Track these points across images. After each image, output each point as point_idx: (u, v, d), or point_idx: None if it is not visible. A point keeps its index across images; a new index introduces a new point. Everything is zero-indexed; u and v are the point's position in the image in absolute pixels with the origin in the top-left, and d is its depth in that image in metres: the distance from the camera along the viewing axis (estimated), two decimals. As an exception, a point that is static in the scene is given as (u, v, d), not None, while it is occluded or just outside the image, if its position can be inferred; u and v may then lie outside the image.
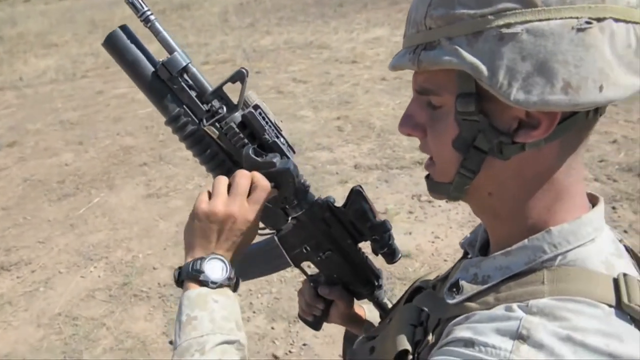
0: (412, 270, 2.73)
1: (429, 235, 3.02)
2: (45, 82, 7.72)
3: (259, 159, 0.71)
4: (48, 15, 15.45)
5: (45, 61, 9.12)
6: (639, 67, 0.44)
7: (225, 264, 0.65)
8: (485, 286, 0.51)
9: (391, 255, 0.81)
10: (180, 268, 0.67)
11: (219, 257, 0.65)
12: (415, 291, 0.74)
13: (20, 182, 4.32)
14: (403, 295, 0.82)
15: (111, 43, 0.71)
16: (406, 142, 4.29)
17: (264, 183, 0.68)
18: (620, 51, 0.43)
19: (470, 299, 0.52)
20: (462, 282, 0.53)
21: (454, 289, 0.53)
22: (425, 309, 0.60)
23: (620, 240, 0.56)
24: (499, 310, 0.47)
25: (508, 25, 0.43)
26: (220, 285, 0.64)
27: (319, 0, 12.75)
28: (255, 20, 11.02)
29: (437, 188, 0.56)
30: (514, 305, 0.46)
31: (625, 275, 0.47)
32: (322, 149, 4.35)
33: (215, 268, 0.64)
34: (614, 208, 3.14)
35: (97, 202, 3.85)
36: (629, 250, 0.55)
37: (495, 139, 0.48)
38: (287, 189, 0.73)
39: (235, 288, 0.69)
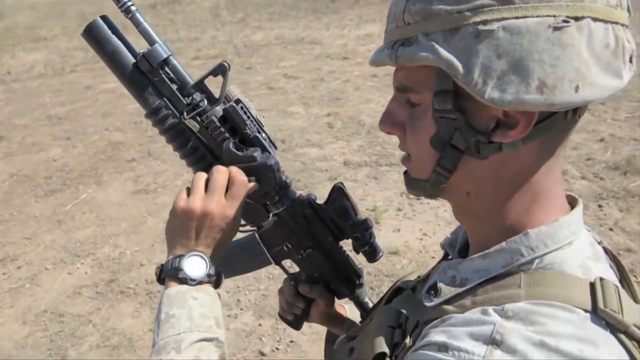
0: (399, 267, 2.74)
1: (417, 232, 3.03)
2: (34, 76, 7.63)
3: (239, 153, 0.71)
4: (37, 8, 15.25)
5: (34, 55, 9.00)
6: (616, 67, 0.44)
7: (205, 261, 0.65)
8: (463, 289, 0.51)
9: (372, 253, 0.81)
10: (161, 266, 0.67)
11: (199, 253, 0.66)
12: (396, 292, 0.75)
13: (6, 178, 4.27)
14: (384, 295, 0.82)
15: (90, 33, 0.70)
16: (395, 139, 4.22)
17: (241, 178, 0.68)
18: (598, 51, 0.43)
19: (447, 301, 0.52)
20: (440, 285, 0.53)
21: (432, 292, 0.53)
22: (404, 312, 0.60)
23: (600, 242, 0.56)
24: (475, 314, 0.47)
25: (485, 22, 0.42)
26: (200, 282, 0.64)
27: (311, -5, 12.70)
28: (246, 15, 10.96)
29: (414, 184, 0.56)
30: (490, 309, 0.46)
31: (601, 279, 0.47)
32: (312, 145, 4.34)
33: (195, 265, 0.64)
34: (600, 206, 3.17)
35: (85, 198, 3.81)
36: (607, 252, 0.55)
37: (472, 137, 0.48)
38: (268, 184, 0.73)
39: (217, 285, 0.68)
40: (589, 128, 4.15)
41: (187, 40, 8.82)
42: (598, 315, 0.45)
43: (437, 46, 0.44)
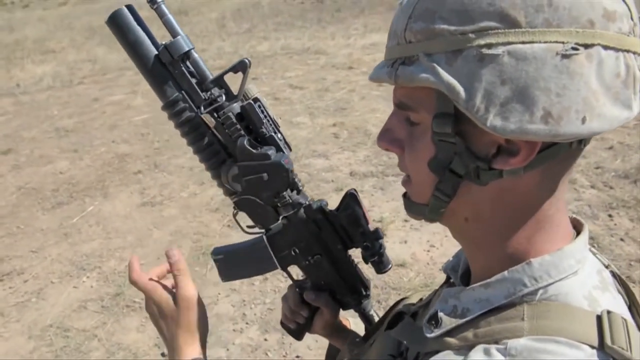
0: (407, 279, 2.71)
1: (424, 244, 3.00)
2: (42, 88, 7.71)
3: (253, 150, 0.70)
4: (46, 21, 15.46)
5: (42, 67, 9.10)
6: (626, 98, 0.42)
7: None
8: (464, 320, 0.49)
9: (381, 264, 0.78)
10: None
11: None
12: (397, 316, 0.73)
13: (14, 191, 4.29)
14: (385, 315, 0.80)
15: (115, 21, 0.70)
16: (402, 149, 4.27)
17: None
18: (607, 81, 0.41)
19: (449, 333, 0.50)
20: (441, 315, 0.51)
21: (433, 322, 0.51)
22: (405, 342, 0.58)
23: (607, 266, 0.54)
24: (478, 353, 0.45)
25: (489, 46, 0.40)
26: None
27: (317, 5, 12.77)
28: (252, 26, 11.03)
29: (414, 208, 0.54)
30: (493, 349, 0.44)
31: (609, 312, 0.45)
32: (317, 156, 4.33)
33: None
34: (610, 216, 3.13)
35: (91, 211, 3.82)
36: (616, 276, 0.53)
37: (471, 163, 0.46)
38: (281, 184, 0.72)
39: None
40: (598, 136, 4.10)
41: (194, 51, 8.88)
42: (605, 352, 0.43)
43: (438, 68, 0.43)
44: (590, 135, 0.42)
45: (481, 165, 0.46)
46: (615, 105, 0.41)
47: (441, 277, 2.73)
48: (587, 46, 0.40)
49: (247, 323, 2.57)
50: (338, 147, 4.47)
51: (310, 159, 4.27)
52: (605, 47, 0.40)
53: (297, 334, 0.92)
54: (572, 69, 0.39)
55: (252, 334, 2.50)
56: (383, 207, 3.41)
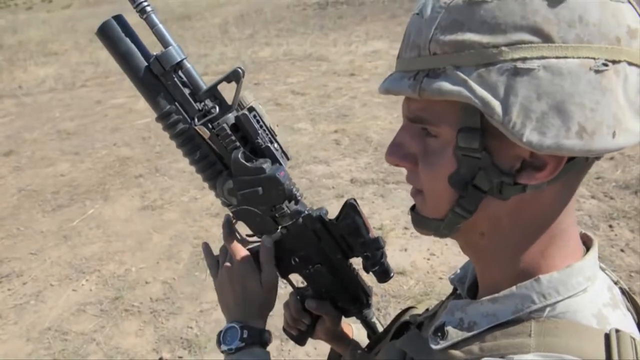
0: (406, 288, 2.71)
1: (424, 252, 2.99)
2: (45, 90, 7.73)
3: (248, 164, 0.70)
4: (50, 23, 15.53)
5: (45, 70, 9.13)
6: None
7: (237, 328, 0.72)
8: (471, 334, 0.49)
9: (382, 274, 0.77)
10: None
11: (233, 324, 0.73)
12: (403, 326, 0.73)
13: (15, 192, 4.30)
14: (390, 325, 0.80)
15: (104, 33, 0.69)
16: (403, 157, 4.27)
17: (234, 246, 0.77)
18: (631, 96, 0.41)
19: (454, 345, 0.50)
20: (448, 328, 0.51)
21: (439, 334, 0.51)
22: (410, 353, 0.58)
23: (617, 283, 0.53)
24: None
25: (524, 60, 0.40)
26: (240, 348, 0.71)
27: (319, 12, 12.83)
28: (255, 32, 11.08)
29: (425, 223, 0.53)
30: None
31: (617, 331, 0.44)
32: (318, 162, 4.33)
33: (232, 336, 0.72)
34: (610, 226, 3.13)
35: (92, 214, 3.82)
36: (625, 293, 0.53)
37: (496, 178, 0.45)
38: (276, 197, 0.71)
39: (262, 342, 0.73)
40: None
41: (196, 56, 8.91)
42: None
43: (470, 82, 0.41)
44: (617, 149, 0.42)
45: (506, 180, 0.45)
46: (637, 119, 0.42)
47: (441, 286, 2.73)
48: (614, 62, 0.40)
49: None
50: (339, 154, 4.47)
51: (311, 165, 4.28)
52: (630, 64, 0.41)
53: (300, 340, 0.92)
54: (603, 85, 0.40)
55: (251, 340, 2.50)
56: (383, 214, 3.41)
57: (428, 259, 2.94)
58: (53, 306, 2.85)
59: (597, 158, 0.46)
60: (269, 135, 0.73)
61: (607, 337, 0.44)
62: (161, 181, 4.28)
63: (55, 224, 3.73)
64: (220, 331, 0.73)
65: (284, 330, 0.94)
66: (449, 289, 2.49)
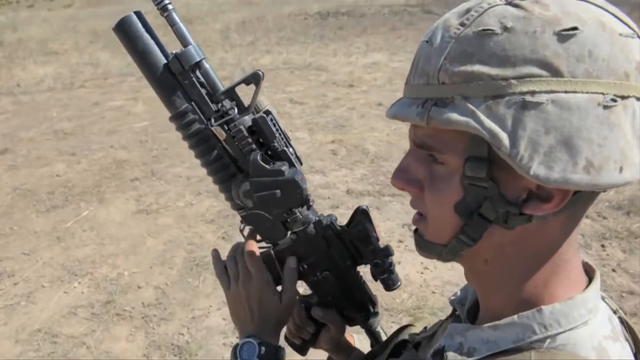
0: (399, 301, 2.71)
1: (418, 265, 3.00)
2: (43, 89, 7.71)
3: (266, 166, 0.69)
4: (50, 22, 15.52)
5: (44, 68, 9.12)
6: None
7: (254, 344, 0.72)
8: (470, 359, 0.49)
9: (391, 282, 0.77)
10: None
11: (249, 339, 0.73)
12: (400, 344, 0.73)
13: (9, 191, 4.27)
14: (387, 342, 0.80)
15: (122, 28, 0.68)
16: (399, 169, 4.29)
17: (250, 249, 0.76)
18: (639, 131, 0.42)
19: None
20: (447, 352, 0.51)
21: (438, 357, 0.52)
22: None
23: (616, 312, 0.54)
24: None
25: (532, 93, 0.40)
26: None
27: (320, 22, 12.91)
28: (256, 39, 11.12)
29: (429, 248, 0.53)
30: None
31: None
32: (315, 172, 4.35)
33: (249, 350, 0.72)
34: (603, 246, 3.15)
35: (86, 216, 3.81)
36: (623, 322, 0.53)
37: (502, 208, 0.45)
38: (294, 200, 0.70)
39: (275, 359, 0.73)
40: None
41: (196, 60, 8.93)
42: None
43: (478, 113, 0.42)
44: (623, 184, 0.42)
45: (512, 210, 0.45)
46: None
47: (434, 300, 2.74)
48: (623, 97, 0.40)
49: (237, 337, 2.55)
50: (336, 164, 4.49)
51: (307, 175, 4.28)
52: (638, 99, 0.41)
53: (301, 350, 0.90)
54: (611, 120, 0.40)
55: (242, 348, 2.49)
56: (379, 227, 3.39)
57: (422, 273, 2.95)
58: (44, 308, 2.83)
59: (603, 190, 0.47)
60: (284, 139, 0.72)
61: None
62: (157, 185, 4.27)
63: (49, 224, 3.71)
64: (237, 345, 0.73)
65: (286, 339, 0.91)
66: (441, 303, 2.50)
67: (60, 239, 3.52)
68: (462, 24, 0.44)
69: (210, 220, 3.66)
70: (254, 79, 0.68)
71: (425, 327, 0.73)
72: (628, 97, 0.41)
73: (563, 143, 0.40)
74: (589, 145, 0.40)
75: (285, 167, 0.69)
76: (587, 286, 0.51)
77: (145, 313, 2.75)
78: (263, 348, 0.71)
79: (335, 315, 0.84)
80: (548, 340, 0.47)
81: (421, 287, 2.83)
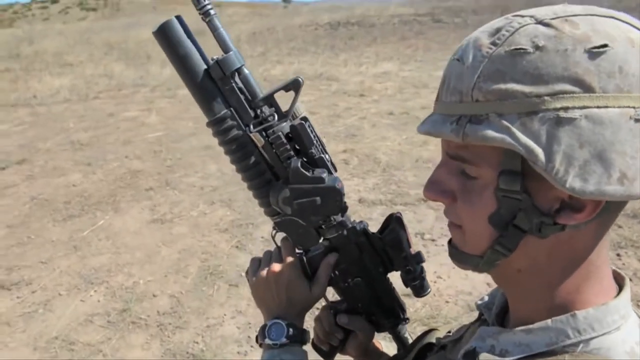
0: (413, 310, 2.71)
1: (431, 274, 3.00)
2: (59, 101, 7.86)
3: (307, 173, 0.69)
4: (65, 35, 15.84)
5: (60, 80, 9.30)
6: None
7: (283, 325, 0.74)
8: None
9: (421, 288, 0.77)
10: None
11: (278, 320, 0.75)
12: (425, 347, 0.74)
13: (27, 201, 4.36)
14: (412, 345, 0.81)
15: (164, 33, 0.67)
16: (411, 179, 4.31)
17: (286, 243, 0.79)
18: None
19: None
20: (480, 353, 0.52)
21: (470, 358, 0.52)
22: None
23: None
24: None
25: (566, 109, 0.41)
26: (284, 344, 0.73)
27: (330, 32, 13.01)
28: (266, 50, 11.24)
29: (464, 259, 0.54)
30: None
31: None
32: (327, 181, 4.37)
33: (277, 330, 0.74)
34: (618, 255, 3.13)
35: (102, 225, 3.86)
36: None
37: (536, 218, 0.46)
38: (334, 208, 0.70)
39: (302, 342, 0.75)
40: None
41: (208, 71, 9.06)
42: None
43: (513, 129, 0.43)
44: None
45: (546, 220, 0.46)
46: None
47: (447, 309, 2.73)
48: None
49: (252, 346, 2.57)
50: (347, 174, 4.51)
51: (319, 184, 4.31)
52: None
53: (328, 356, 0.90)
54: None
55: (257, 356, 2.50)
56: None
57: (435, 282, 2.94)
58: (61, 316, 2.87)
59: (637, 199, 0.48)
60: (321, 146, 0.72)
61: None
62: (171, 195, 4.32)
63: (66, 233, 3.77)
64: (265, 325, 0.75)
65: (313, 345, 0.91)
66: (455, 312, 2.51)
67: (77, 247, 3.57)
68: (494, 43, 0.45)
69: (224, 229, 3.69)
70: (293, 85, 0.68)
71: (449, 331, 0.73)
72: None
73: (597, 156, 0.42)
74: (622, 157, 0.41)
75: (325, 175, 0.69)
76: (618, 294, 0.51)
77: (161, 321, 2.78)
78: (291, 329, 0.73)
79: (362, 322, 0.85)
80: (581, 345, 0.47)
81: (434, 296, 2.82)
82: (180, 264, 3.30)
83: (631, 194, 0.42)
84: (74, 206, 4.20)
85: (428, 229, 3.53)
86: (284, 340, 0.72)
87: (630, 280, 2.88)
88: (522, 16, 0.46)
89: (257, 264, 0.81)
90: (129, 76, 9.23)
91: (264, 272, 0.77)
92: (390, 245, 0.75)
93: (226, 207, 4.03)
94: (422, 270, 0.77)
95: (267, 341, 0.73)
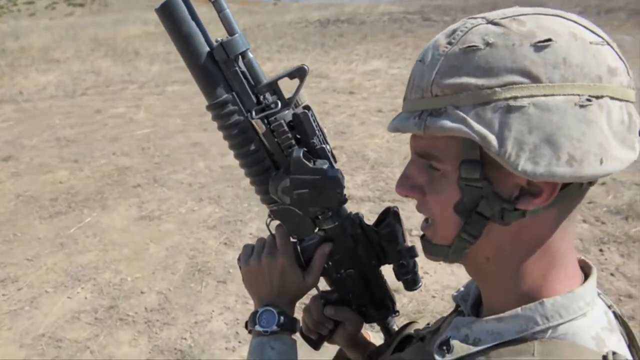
0: (400, 305, 2.70)
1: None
2: (45, 97, 7.78)
3: (309, 164, 0.68)
4: (52, 30, 15.63)
5: (46, 76, 9.19)
6: (631, 141, 0.47)
7: (274, 312, 0.74)
8: (476, 349, 0.52)
9: (413, 282, 0.78)
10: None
11: (269, 308, 0.75)
12: (405, 339, 0.76)
13: (12, 198, 4.31)
14: (393, 339, 0.83)
15: (167, 10, 0.65)
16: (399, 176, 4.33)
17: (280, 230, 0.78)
18: (615, 127, 0.46)
19: (460, 359, 0.53)
20: (453, 342, 0.54)
21: (445, 347, 0.54)
22: None
23: (610, 307, 0.57)
24: None
25: (515, 98, 0.45)
26: (274, 332, 0.74)
27: (320, 29, 13.01)
28: (256, 47, 11.20)
29: (435, 250, 0.56)
30: None
31: (614, 353, 0.48)
32: (316, 178, 4.38)
33: (268, 318, 0.74)
34: (601, 250, 3.18)
35: (89, 222, 3.84)
36: (617, 317, 0.56)
37: (497, 205, 0.49)
38: (334, 199, 0.70)
39: (292, 330, 0.76)
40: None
41: (197, 68, 9.01)
42: None
43: (469, 119, 0.46)
44: (605, 175, 0.46)
45: (506, 206, 0.49)
46: (623, 148, 0.47)
47: (434, 304, 2.76)
48: (597, 97, 0.45)
49: (239, 342, 2.58)
50: (336, 170, 4.52)
51: (308, 181, 4.32)
52: (612, 98, 0.46)
53: (316, 345, 0.90)
54: (588, 118, 0.45)
55: (244, 352, 2.51)
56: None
57: (421, 277, 2.97)
58: (47, 313, 2.86)
59: (591, 184, 0.51)
60: (322, 136, 0.71)
61: (605, 358, 0.48)
62: (159, 192, 4.31)
63: (52, 230, 3.74)
64: (256, 311, 0.75)
65: (302, 334, 0.91)
66: (441, 307, 2.54)
67: (64, 245, 3.55)
68: (450, 43, 0.49)
69: (212, 226, 3.69)
70: (299, 73, 0.67)
71: (428, 324, 0.75)
72: (602, 97, 0.45)
73: (546, 140, 0.44)
74: (570, 140, 0.44)
75: (327, 166, 0.68)
76: (585, 281, 0.54)
77: (148, 318, 2.78)
78: (282, 317, 0.73)
79: (350, 313, 0.86)
80: (550, 331, 0.50)
81: (421, 292, 2.85)
82: (168, 260, 3.30)
83: (580, 175, 0.45)
84: (60, 203, 4.17)
85: (415, 226, 3.55)
86: (274, 327, 0.73)
87: (613, 275, 2.95)
88: (475, 17, 0.50)
89: (249, 250, 0.80)
90: (116, 72, 9.15)
91: (258, 259, 0.77)
92: (385, 239, 0.76)
93: (214, 204, 4.03)
94: (415, 264, 0.77)
95: (258, 328, 0.73)
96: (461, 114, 0.47)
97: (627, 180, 4.05)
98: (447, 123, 0.47)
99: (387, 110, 6.28)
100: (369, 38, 11.50)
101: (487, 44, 0.46)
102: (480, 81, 0.46)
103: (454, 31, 0.49)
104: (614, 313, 0.56)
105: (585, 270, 0.56)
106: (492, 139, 0.45)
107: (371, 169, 4.52)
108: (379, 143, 5.12)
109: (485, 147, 0.46)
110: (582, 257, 0.57)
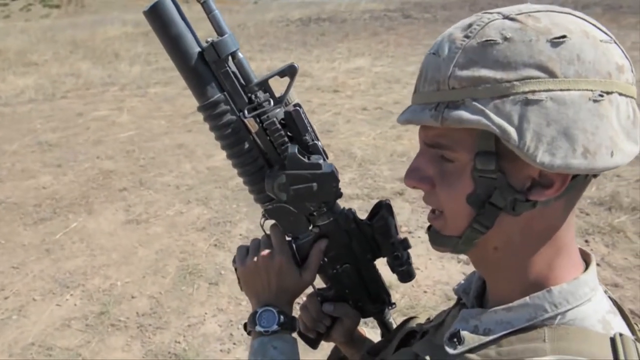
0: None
1: (409, 266, 3.05)
2: (24, 101, 7.62)
3: (304, 159, 0.69)
4: (28, 33, 15.32)
5: (25, 80, 9.00)
6: (635, 135, 0.49)
7: (274, 312, 0.74)
8: (488, 339, 0.53)
9: (407, 274, 0.79)
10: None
11: (268, 308, 0.75)
12: (408, 335, 0.77)
13: (-6, 205, 4.22)
14: (393, 334, 0.83)
15: (156, 12, 0.65)
16: (387, 173, 4.36)
17: (276, 230, 0.78)
18: (623, 122, 0.48)
19: (471, 350, 0.54)
20: (464, 333, 0.55)
21: (455, 339, 0.55)
22: (427, 358, 0.61)
23: (605, 292, 0.58)
24: None
25: (533, 92, 0.46)
26: (275, 332, 0.73)
27: (302, 28, 12.99)
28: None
29: (443, 241, 0.57)
30: None
31: (621, 335, 0.50)
32: (304, 177, 4.38)
33: (268, 318, 0.74)
34: (586, 241, 3.25)
35: (75, 227, 3.78)
36: (613, 301, 0.58)
37: (510, 196, 0.50)
38: (330, 194, 0.71)
39: (292, 328, 0.76)
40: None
41: (179, 69, 8.92)
42: None
43: (487, 111, 0.47)
44: (615, 167, 0.48)
45: (519, 197, 0.50)
46: (629, 141, 0.49)
47: (426, 299, 2.79)
48: (608, 93, 0.47)
49: (234, 343, 2.58)
50: (324, 169, 4.52)
51: (296, 180, 4.32)
52: (620, 94, 0.48)
53: (314, 343, 0.91)
54: (600, 112, 0.46)
55: (239, 354, 2.51)
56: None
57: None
58: (36, 321, 2.81)
59: (594, 176, 0.53)
60: (313, 133, 0.72)
61: (613, 340, 0.50)
62: (146, 195, 4.26)
63: (38, 237, 3.68)
64: (255, 312, 0.74)
65: (299, 333, 0.90)
66: (433, 302, 2.56)
67: (50, 251, 3.49)
68: (467, 36, 0.50)
69: (201, 228, 3.66)
70: (289, 71, 0.68)
71: (429, 318, 0.76)
72: (612, 92, 0.47)
73: (563, 133, 0.46)
74: (584, 134, 0.46)
75: (322, 161, 0.69)
76: (586, 268, 0.56)
77: (141, 322, 2.75)
78: (282, 317, 0.74)
79: (348, 308, 0.86)
80: (559, 317, 0.52)
81: (413, 287, 2.88)
82: (158, 264, 3.27)
83: (594, 167, 0.47)
84: (44, 209, 4.09)
85: (404, 222, 3.59)
86: (275, 327, 0.73)
87: (598, 265, 3.01)
88: (491, 13, 0.51)
89: (244, 251, 0.80)
90: (96, 75, 9.00)
91: (254, 259, 0.77)
92: (379, 232, 0.77)
93: (202, 205, 4.00)
94: (408, 256, 0.78)
95: (258, 328, 0.73)
96: (479, 106, 0.48)
97: (609, 173, 4.13)
98: (466, 115, 0.48)
99: (372, 108, 6.30)
100: (351, 36, 11.53)
101: (505, 39, 0.47)
102: (498, 74, 0.47)
103: (470, 25, 0.50)
104: (610, 297, 0.58)
105: (585, 258, 0.58)
106: (512, 131, 0.47)
107: (359, 167, 4.53)
108: (365, 141, 5.14)
109: (505, 139, 0.47)
110: (581, 247, 0.59)
